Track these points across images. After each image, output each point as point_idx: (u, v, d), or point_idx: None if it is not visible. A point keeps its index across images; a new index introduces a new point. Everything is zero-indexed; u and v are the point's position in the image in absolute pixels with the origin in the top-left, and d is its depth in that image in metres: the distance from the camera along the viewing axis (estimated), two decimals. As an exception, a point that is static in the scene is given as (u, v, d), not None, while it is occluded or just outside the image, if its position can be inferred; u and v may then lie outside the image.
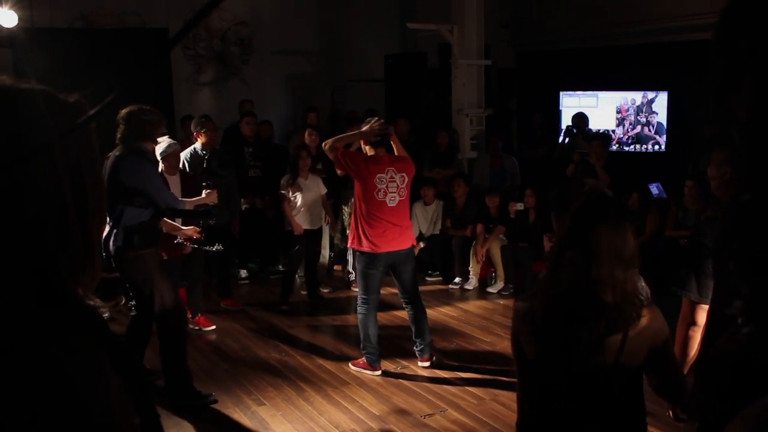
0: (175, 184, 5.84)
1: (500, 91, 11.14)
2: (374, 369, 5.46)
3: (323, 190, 7.22)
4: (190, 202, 5.17)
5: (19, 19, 7.71)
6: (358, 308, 5.43)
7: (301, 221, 7.08)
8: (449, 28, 9.19)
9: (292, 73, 11.58)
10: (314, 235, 7.24)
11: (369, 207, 5.19)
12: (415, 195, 8.24)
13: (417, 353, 5.57)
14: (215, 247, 5.68)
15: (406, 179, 5.29)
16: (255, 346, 6.19)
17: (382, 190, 5.19)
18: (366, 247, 5.25)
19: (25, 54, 7.65)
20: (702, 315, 2.73)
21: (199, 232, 5.36)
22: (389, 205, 5.20)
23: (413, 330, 5.53)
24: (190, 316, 6.63)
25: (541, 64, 10.38)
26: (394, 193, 5.22)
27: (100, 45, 8.96)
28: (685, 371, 2.83)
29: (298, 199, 7.06)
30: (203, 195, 5.39)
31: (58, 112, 0.93)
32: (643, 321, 2.21)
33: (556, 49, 10.44)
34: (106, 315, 0.98)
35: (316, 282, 7.44)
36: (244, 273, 8.24)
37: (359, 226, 5.25)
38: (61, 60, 7.60)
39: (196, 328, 6.53)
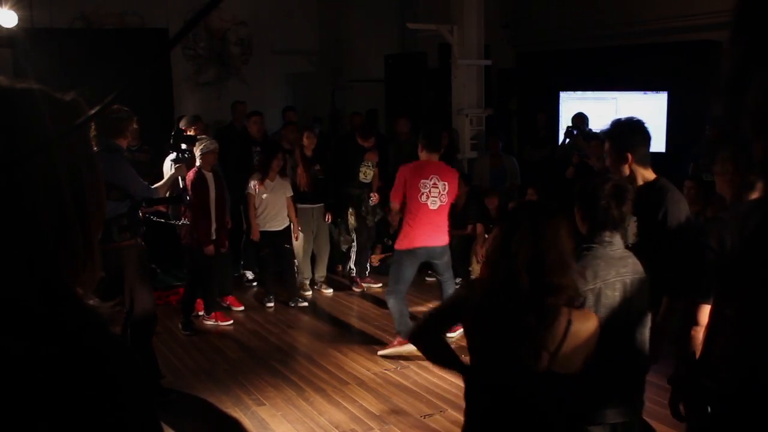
0: (210, 180, 6.35)
1: (500, 91, 11.14)
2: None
3: (289, 193, 7.17)
4: (162, 186, 5.32)
5: (19, 19, 7.71)
6: (388, 296, 5.90)
7: (265, 222, 7.05)
8: (449, 28, 9.18)
9: (292, 73, 11.59)
10: (279, 236, 7.15)
11: (412, 207, 5.72)
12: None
13: None
14: (181, 221, 5.87)
15: (448, 187, 5.78)
16: (255, 346, 6.19)
17: (425, 194, 5.71)
18: (406, 244, 5.76)
19: (25, 54, 7.65)
20: (704, 314, 2.74)
21: (165, 207, 5.68)
22: (431, 207, 5.72)
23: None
24: (202, 312, 6.70)
25: (541, 64, 10.37)
26: (436, 197, 5.74)
27: (100, 45, 8.96)
28: (687, 371, 2.83)
29: (263, 200, 7.00)
30: (173, 171, 5.63)
31: (56, 112, 0.93)
32: (588, 322, 2.29)
33: (556, 49, 10.43)
34: (106, 314, 0.98)
35: (293, 283, 7.38)
36: (250, 275, 8.14)
37: (405, 224, 5.79)
38: (61, 60, 7.60)
39: (212, 322, 6.68)
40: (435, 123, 5.98)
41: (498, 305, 2.25)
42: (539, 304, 2.19)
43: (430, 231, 5.77)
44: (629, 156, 3.30)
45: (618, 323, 2.71)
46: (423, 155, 5.80)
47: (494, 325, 2.26)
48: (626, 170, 3.33)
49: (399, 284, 5.82)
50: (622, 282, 2.71)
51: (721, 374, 2.40)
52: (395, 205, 5.81)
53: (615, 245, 2.73)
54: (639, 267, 2.76)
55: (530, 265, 2.18)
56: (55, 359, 0.83)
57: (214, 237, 6.38)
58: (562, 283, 2.21)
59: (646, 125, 3.44)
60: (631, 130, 3.37)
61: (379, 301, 7.37)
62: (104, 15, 9.79)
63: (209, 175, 6.34)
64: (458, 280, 7.94)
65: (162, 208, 5.59)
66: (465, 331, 2.39)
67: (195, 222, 6.15)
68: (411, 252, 5.77)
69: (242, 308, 7.13)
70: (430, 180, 5.72)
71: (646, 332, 2.83)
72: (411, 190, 5.72)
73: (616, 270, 2.70)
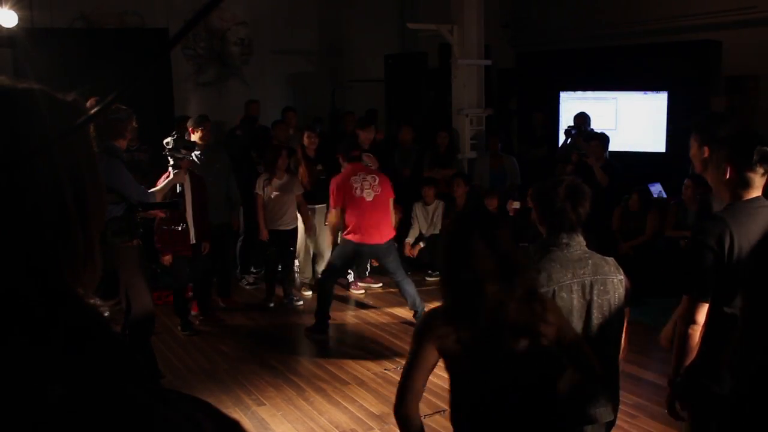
0: (185, 182, 6.15)
1: (500, 91, 11.14)
2: (325, 333, 6.35)
3: (299, 191, 7.19)
4: (159, 190, 5.27)
5: (19, 19, 7.71)
6: (323, 279, 6.45)
7: (273, 221, 7.05)
8: (449, 28, 9.19)
9: (292, 73, 11.59)
10: (286, 236, 7.17)
11: (351, 204, 6.20)
12: (415, 195, 8.28)
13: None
14: (180, 226, 5.82)
15: (378, 179, 6.31)
16: (255, 346, 6.19)
17: (358, 188, 6.22)
18: (356, 238, 6.24)
19: (25, 54, 7.64)
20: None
21: (164, 212, 5.62)
22: (367, 199, 6.22)
23: (408, 302, 6.43)
24: (196, 312, 6.68)
25: (541, 64, 10.37)
26: (369, 189, 6.24)
27: (100, 45, 8.96)
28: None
29: (271, 199, 7.03)
30: (171, 176, 5.58)
31: (57, 112, 0.93)
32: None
33: (556, 49, 10.43)
34: (106, 314, 0.98)
35: (291, 283, 7.44)
36: (250, 278, 8.06)
37: (349, 222, 6.29)
38: (61, 60, 7.59)
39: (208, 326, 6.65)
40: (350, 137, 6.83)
41: (496, 310, 2.33)
42: (533, 293, 2.40)
43: (372, 226, 6.22)
44: (706, 150, 3.07)
45: (578, 324, 2.66)
46: (345, 166, 6.36)
47: (499, 331, 2.32)
48: (698, 165, 3.15)
49: (337, 272, 6.53)
50: (581, 284, 2.66)
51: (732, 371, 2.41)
52: (333, 212, 6.35)
53: (573, 247, 2.68)
54: (605, 268, 2.70)
55: (515, 262, 2.39)
56: (55, 359, 0.84)
57: (194, 241, 6.23)
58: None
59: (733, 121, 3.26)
60: (715, 123, 3.15)
61: (379, 301, 7.38)
62: (104, 15, 9.80)
63: (185, 178, 6.08)
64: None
65: (161, 213, 5.54)
66: (446, 360, 2.46)
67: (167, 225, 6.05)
68: (358, 248, 6.28)
69: (239, 307, 7.12)
70: (359, 176, 6.26)
71: (615, 330, 2.77)
72: (347, 191, 6.23)
73: (572, 272, 2.65)
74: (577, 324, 2.67)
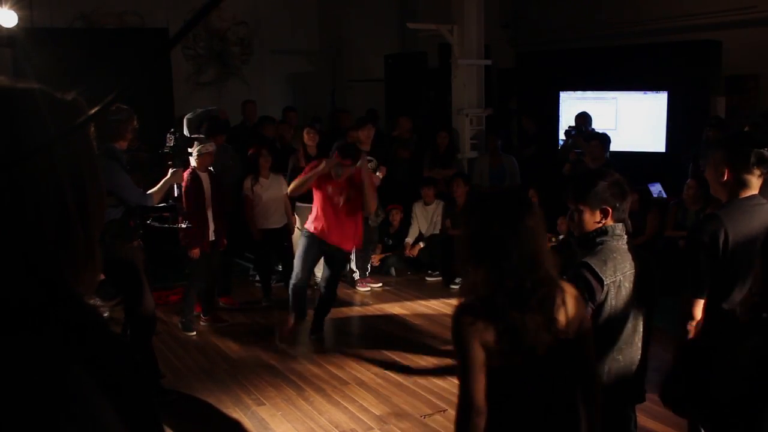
0: (205, 180, 6.32)
1: (500, 91, 11.15)
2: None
3: (285, 190, 7.16)
4: (157, 191, 5.24)
5: (19, 19, 7.72)
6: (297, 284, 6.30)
7: (263, 221, 7.11)
8: (449, 28, 9.19)
9: (292, 73, 11.60)
10: (278, 234, 7.25)
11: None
12: (415, 195, 8.29)
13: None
14: (184, 224, 5.82)
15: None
16: (255, 346, 6.18)
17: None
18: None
19: (25, 54, 7.65)
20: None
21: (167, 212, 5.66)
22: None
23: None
24: (200, 312, 6.69)
25: (541, 64, 10.38)
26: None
27: (100, 45, 8.97)
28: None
29: (260, 198, 7.10)
30: (168, 175, 5.52)
31: (57, 112, 0.93)
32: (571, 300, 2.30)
33: (556, 49, 10.44)
34: (106, 314, 0.98)
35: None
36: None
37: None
38: (61, 60, 7.60)
39: (208, 324, 6.64)
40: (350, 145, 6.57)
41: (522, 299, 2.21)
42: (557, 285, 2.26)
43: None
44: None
45: (637, 314, 2.76)
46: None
47: (523, 325, 2.21)
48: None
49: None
50: (634, 274, 2.77)
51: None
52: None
53: (624, 238, 2.78)
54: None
55: (540, 251, 2.24)
56: (55, 359, 0.84)
57: (213, 238, 6.34)
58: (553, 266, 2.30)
59: None
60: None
61: (379, 301, 7.37)
62: (104, 15, 9.80)
63: (204, 176, 6.28)
64: (458, 279, 7.95)
65: (165, 213, 5.54)
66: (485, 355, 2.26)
67: (192, 223, 6.11)
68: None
69: (237, 307, 7.14)
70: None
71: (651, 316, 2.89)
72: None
73: (630, 262, 2.76)
74: (636, 314, 2.77)
